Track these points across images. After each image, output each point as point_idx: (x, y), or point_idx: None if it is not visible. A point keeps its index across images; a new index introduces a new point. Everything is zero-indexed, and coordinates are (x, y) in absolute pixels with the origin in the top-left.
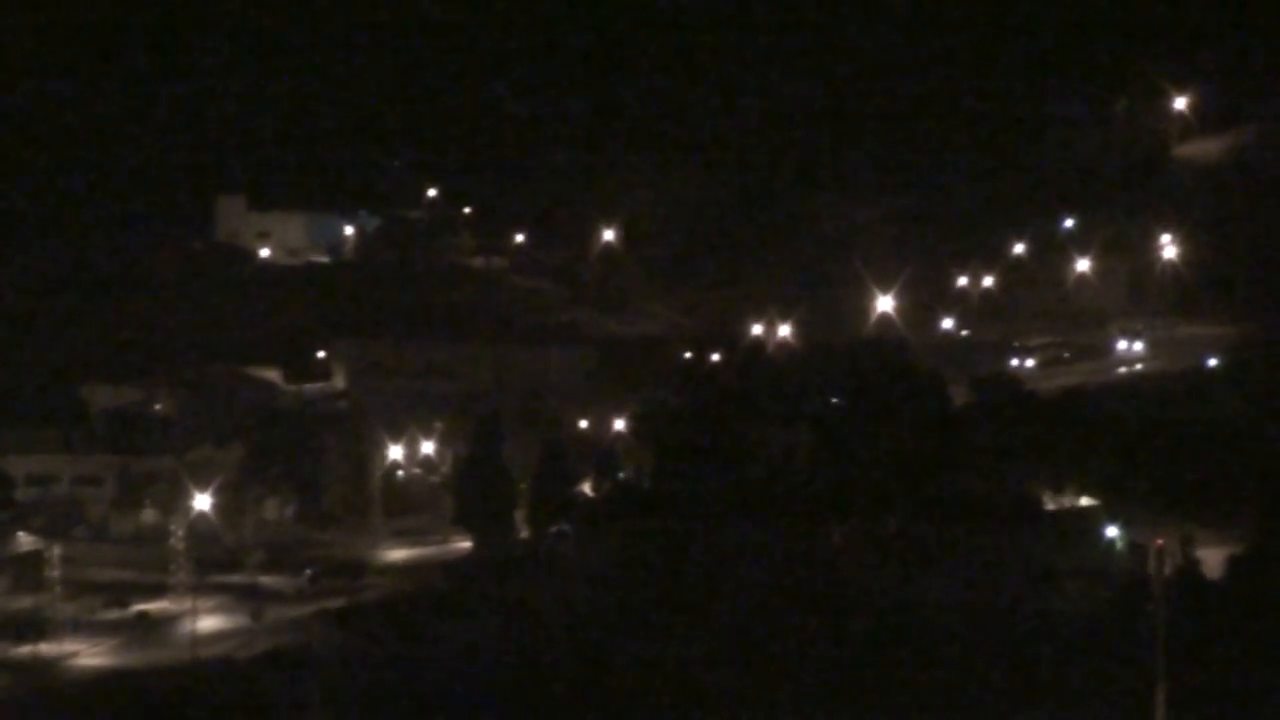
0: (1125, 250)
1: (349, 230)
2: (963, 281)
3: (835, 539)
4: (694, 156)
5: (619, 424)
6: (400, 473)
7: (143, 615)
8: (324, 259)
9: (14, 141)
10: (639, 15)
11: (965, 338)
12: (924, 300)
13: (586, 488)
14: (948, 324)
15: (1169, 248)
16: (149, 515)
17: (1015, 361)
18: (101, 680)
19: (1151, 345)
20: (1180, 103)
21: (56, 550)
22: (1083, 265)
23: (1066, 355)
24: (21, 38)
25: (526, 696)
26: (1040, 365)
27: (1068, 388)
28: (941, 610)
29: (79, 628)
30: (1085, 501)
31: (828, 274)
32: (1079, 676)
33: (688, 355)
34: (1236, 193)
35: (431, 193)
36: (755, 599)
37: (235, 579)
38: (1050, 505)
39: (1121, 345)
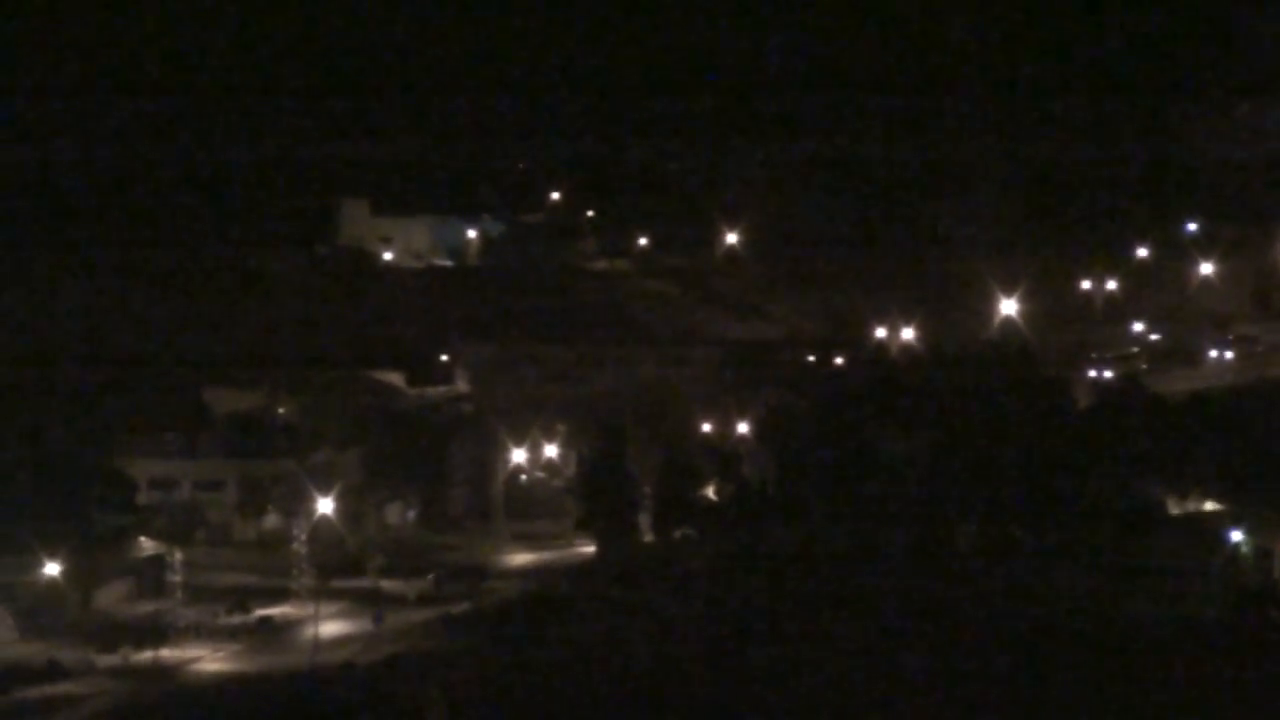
0: (1249, 253)
1: (472, 234)
2: (1086, 285)
3: (959, 543)
4: (818, 159)
5: (743, 427)
6: (523, 477)
7: (265, 620)
8: (447, 263)
9: (141, 145)
10: (761, 18)
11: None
12: (1045, 304)
13: (710, 491)
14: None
15: None
16: (271, 520)
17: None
18: (223, 685)
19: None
20: None
21: (178, 555)
22: (1206, 268)
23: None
24: (146, 38)
25: (649, 700)
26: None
27: (1193, 391)
28: (1066, 615)
29: (201, 633)
30: (1210, 506)
31: (951, 277)
32: (1204, 682)
33: (811, 358)
34: None
35: (555, 196)
36: (879, 602)
37: (357, 583)
38: (1175, 510)
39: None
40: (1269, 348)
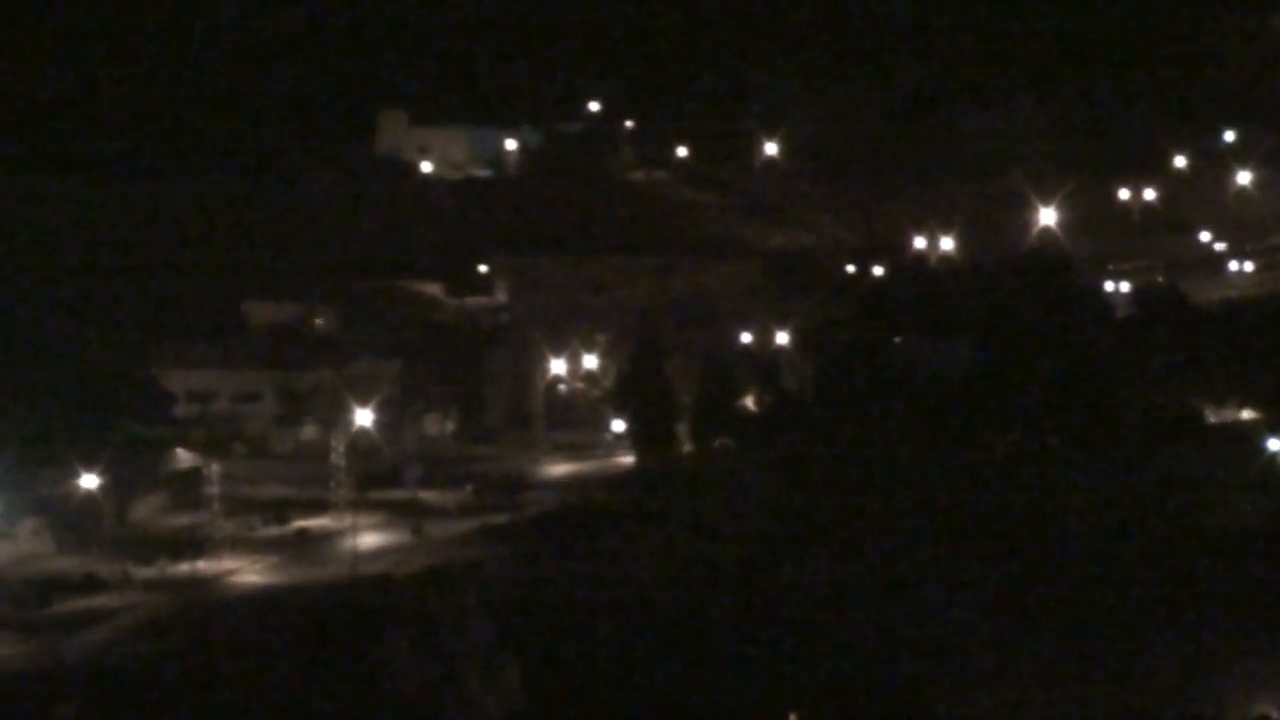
0: None
1: (511, 145)
2: (1124, 195)
3: (997, 452)
4: (856, 68)
5: (782, 337)
6: (562, 387)
7: (302, 532)
8: (486, 173)
9: (177, 58)
10: None
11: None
12: (1083, 214)
13: (749, 401)
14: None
15: None
16: (309, 431)
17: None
18: (260, 597)
19: (1273, 264)
20: None
21: (215, 467)
22: (1244, 178)
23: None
24: None
25: (690, 611)
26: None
27: (1228, 300)
28: (1104, 523)
29: (238, 545)
30: (1246, 415)
31: (989, 187)
32: (1241, 589)
33: (850, 268)
34: None
35: (593, 106)
36: (918, 510)
37: (396, 494)
38: (1212, 418)
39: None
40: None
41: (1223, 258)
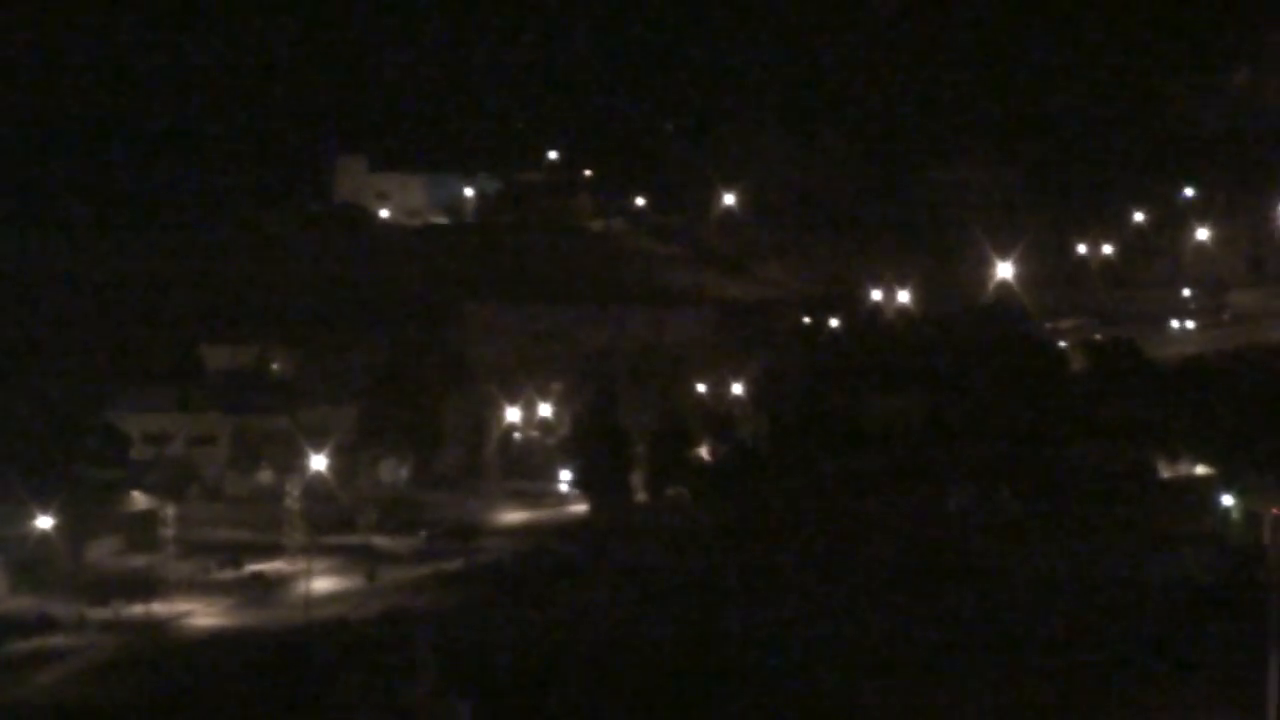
0: (1244, 218)
1: (469, 192)
2: (1082, 250)
3: (950, 506)
4: (814, 122)
5: (737, 387)
6: (517, 435)
7: (257, 575)
8: (443, 220)
9: (136, 102)
10: None
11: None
12: (1041, 269)
13: (704, 451)
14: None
15: None
16: (264, 475)
17: (1175, 324)
18: (215, 640)
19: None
20: None
21: (171, 510)
22: (1202, 234)
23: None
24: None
25: (640, 659)
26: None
27: (1186, 356)
28: (1057, 577)
29: (193, 587)
30: (1201, 470)
31: (947, 241)
32: (1194, 645)
33: (806, 319)
34: None
35: (552, 155)
36: (870, 564)
37: (350, 540)
38: (1166, 473)
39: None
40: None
41: (1179, 311)
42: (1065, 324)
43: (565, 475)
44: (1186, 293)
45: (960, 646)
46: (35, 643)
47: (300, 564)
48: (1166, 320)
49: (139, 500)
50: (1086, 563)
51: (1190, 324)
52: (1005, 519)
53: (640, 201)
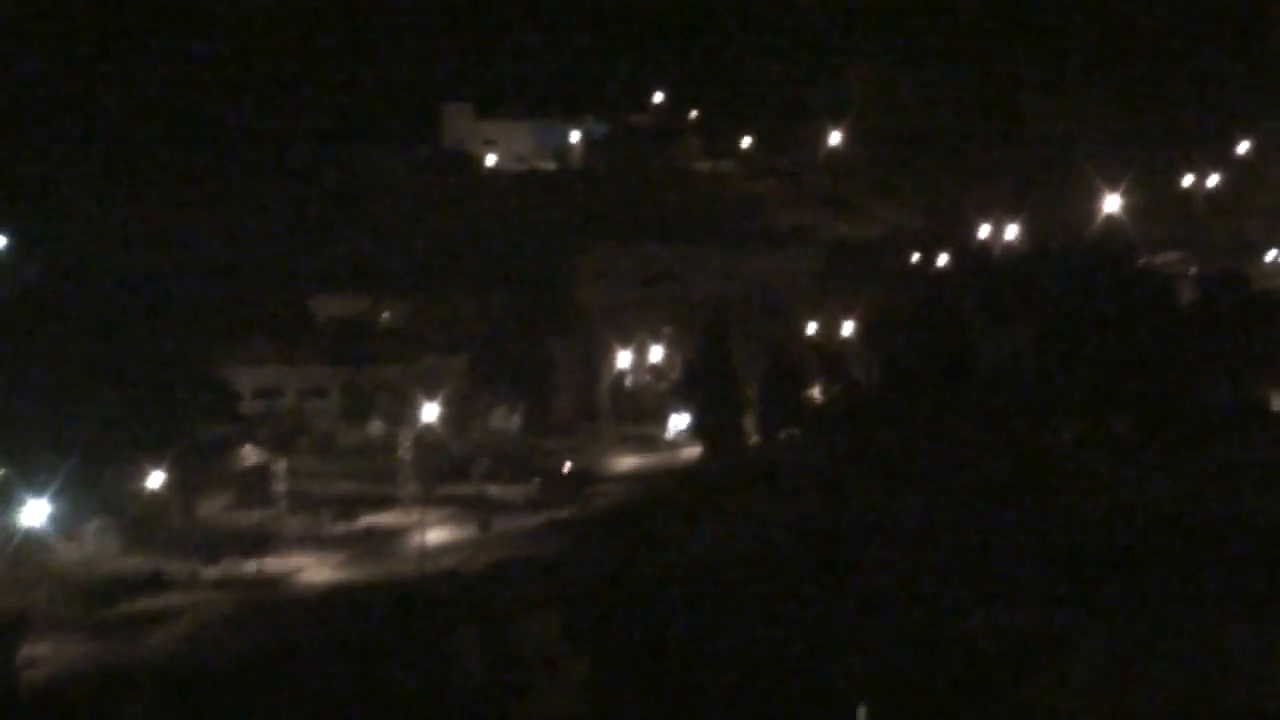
0: None
1: (575, 137)
2: (1188, 181)
3: (1064, 440)
4: (919, 56)
5: (847, 328)
6: (629, 380)
7: (370, 528)
8: (551, 166)
9: (244, 53)
10: None
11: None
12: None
13: (816, 392)
14: None
15: None
16: (375, 427)
17: (1272, 255)
18: (329, 594)
19: None
20: None
21: (282, 464)
22: None
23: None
24: None
25: (760, 606)
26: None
27: None
28: (1171, 512)
29: (305, 542)
30: None
31: (1054, 175)
32: None
33: (915, 257)
34: None
35: (658, 98)
36: (985, 499)
37: (463, 489)
38: (1279, 406)
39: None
40: None
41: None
42: (1167, 258)
43: (676, 421)
44: None
45: (1077, 587)
46: (148, 601)
47: (414, 515)
48: (1264, 251)
49: (250, 455)
50: (1199, 498)
51: None
52: (1118, 453)
53: (747, 142)
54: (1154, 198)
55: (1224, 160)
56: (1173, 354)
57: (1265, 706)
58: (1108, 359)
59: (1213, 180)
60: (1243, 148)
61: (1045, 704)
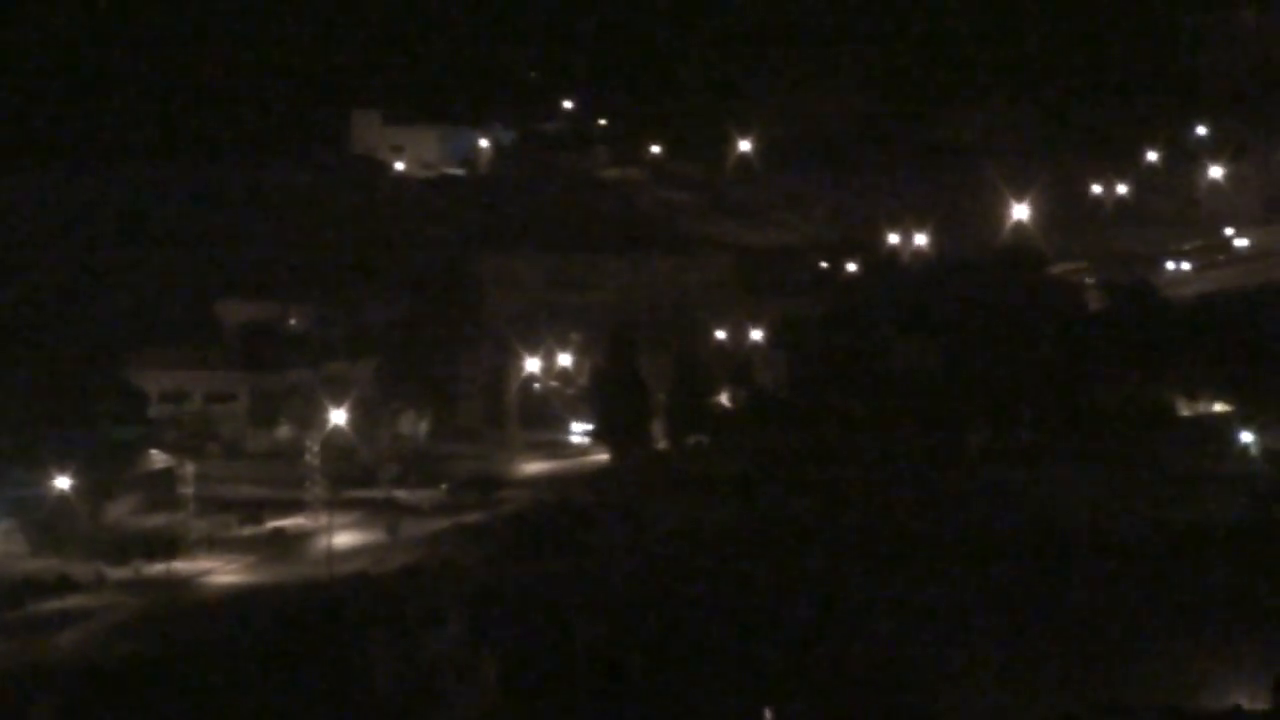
0: (1257, 156)
1: (484, 143)
2: (1096, 189)
3: (970, 447)
4: (829, 66)
5: (756, 334)
6: (537, 386)
7: (278, 531)
8: (459, 172)
9: (150, 56)
10: None
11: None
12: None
13: (724, 398)
14: None
15: None
16: (284, 431)
17: (1171, 265)
18: (237, 597)
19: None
20: None
21: (190, 467)
22: (1215, 172)
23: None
24: None
25: (666, 609)
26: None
27: (1201, 294)
28: (1078, 519)
29: (214, 545)
30: (1219, 408)
31: (963, 183)
32: (1216, 585)
33: (823, 265)
34: None
35: (567, 105)
36: (891, 507)
37: (371, 494)
38: (1185, 412)
39: (1170, 266)
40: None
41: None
42: (1074, 266)
43: (584, 426)
44: (1238, 239)
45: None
46: (56, 603)
47: (321, 519)
48: (1162, 262)
49: (158, 458)
50: (1107, 503)
51: (1186, 265)
52: (1025, 459)
53: (656, 150)
54: (1062, 206)
55: (1132, 169)
56: (1080, 361)
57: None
58: (1016, 366)
59: (1121, 189)
60: (1151, 156)
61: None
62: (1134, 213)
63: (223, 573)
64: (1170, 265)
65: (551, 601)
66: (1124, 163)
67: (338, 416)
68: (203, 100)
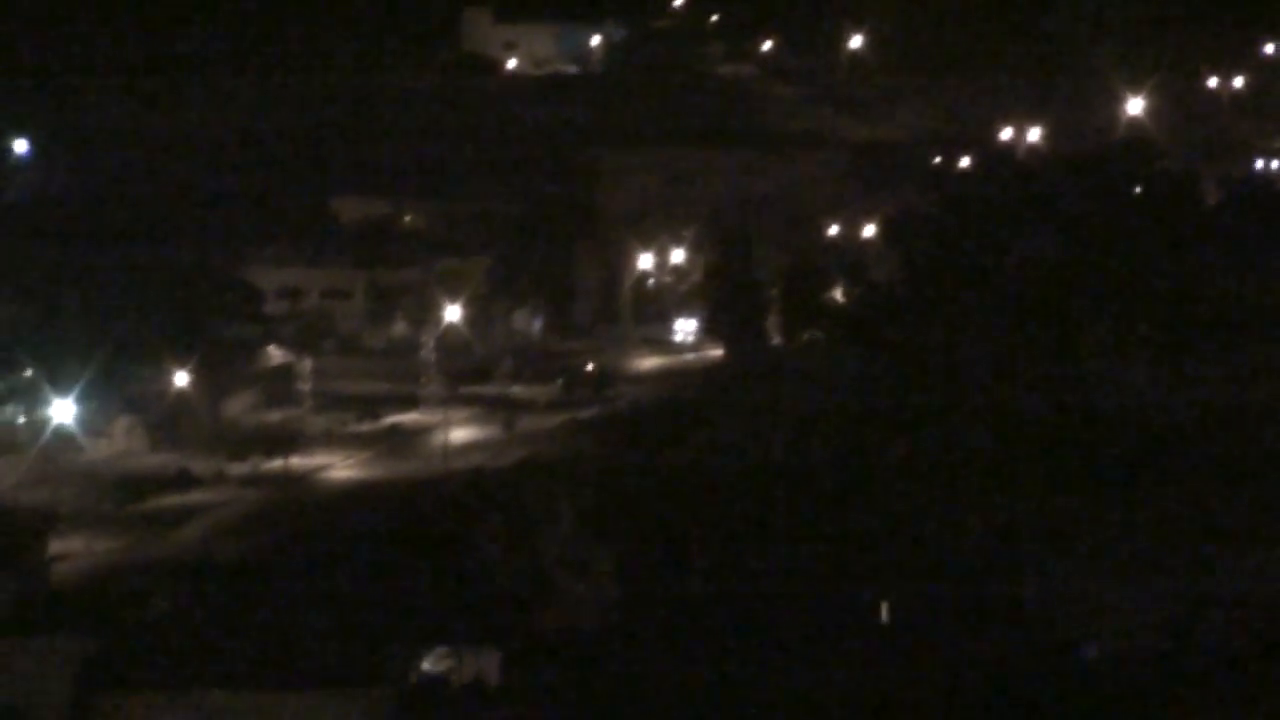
0: None
1: (596, 40)
2: (1212, 81)
3: (1087, 343)
4: None
5: (869, 230)
6: (650, 282)
7: (394, 427)
8: (571, 69)
9: None
10: None
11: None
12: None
13: (838, 294)
14: None
15: None
16: (400, 327)
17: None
18: (354, 492)
19: None
20: None
21: (307, 363)
22: None
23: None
24: None
25: (782, 503)
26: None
27: None
28: (1196, 416)
29: (330, 440)
30: None
31: (1077, 77)
32: None
33: (937, 160)
34: None
35: (679, 0)
36: (1007, 402)
37: (486, 390)
38: None
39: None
40: None
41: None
42: (1190, 159)
43: (695, 322)
44: None
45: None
46: (176, 498)
47: (437, 415)
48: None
49: (275, 355)
50: (1225, 400)
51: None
52: (1142, 354)
53: (768, 45)
54: (1177, 98)
55: (1249, 60)
56: (1196, 255)
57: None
58: (1132, 261)
59: (1238, 81)
60: (1269, 48)
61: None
62: (1251, 104)
63: (340, 468)
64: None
65: (667, 496)
66: (1241, 53)
67: (453, 313)
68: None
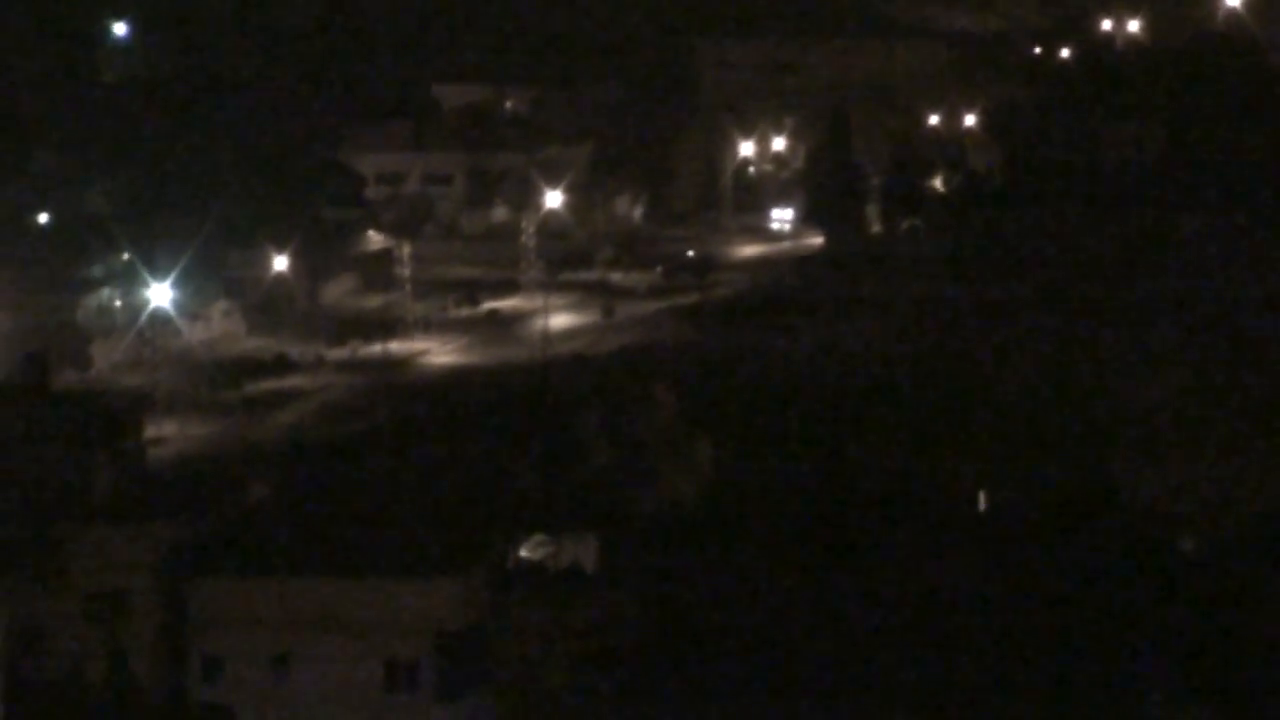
0: None
1: None
2: None
3: (1185, 232)
4: None
5: (969, 120)
6: (751, 169)
7: (493, 313)
8: None
9: None
10: None
11: None
12: None
13: (937, 183)
14: None
15: None
16: (499, 213)
17: None
18: (453, 378)
19: None
20: None
21: (406, 248)
22: None
23: None
24: None
25: (882, 390)
26: None
27: None
28: None
29: (429, 326)
30: None
31: None
32: None
33: (1037, 51)
34: None
35: None
36: (1107, 282)
37: (586, 276)
38: None
39: None
40: None
41: None
42: None
43: (792, 211)
44: None
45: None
46: (274, 382)
47: (537, 300)
48: None
49: (375, 239)
50: None
51: None
52: (1239, 242)
53: None
54: None
55: None
56: None
57: None
58: (1231, 152)
59: None
60: None
61: None
62: None
63: (439, 353)
64: None
65: (766, 383)
66: None
67: (553, 199)
68: None
